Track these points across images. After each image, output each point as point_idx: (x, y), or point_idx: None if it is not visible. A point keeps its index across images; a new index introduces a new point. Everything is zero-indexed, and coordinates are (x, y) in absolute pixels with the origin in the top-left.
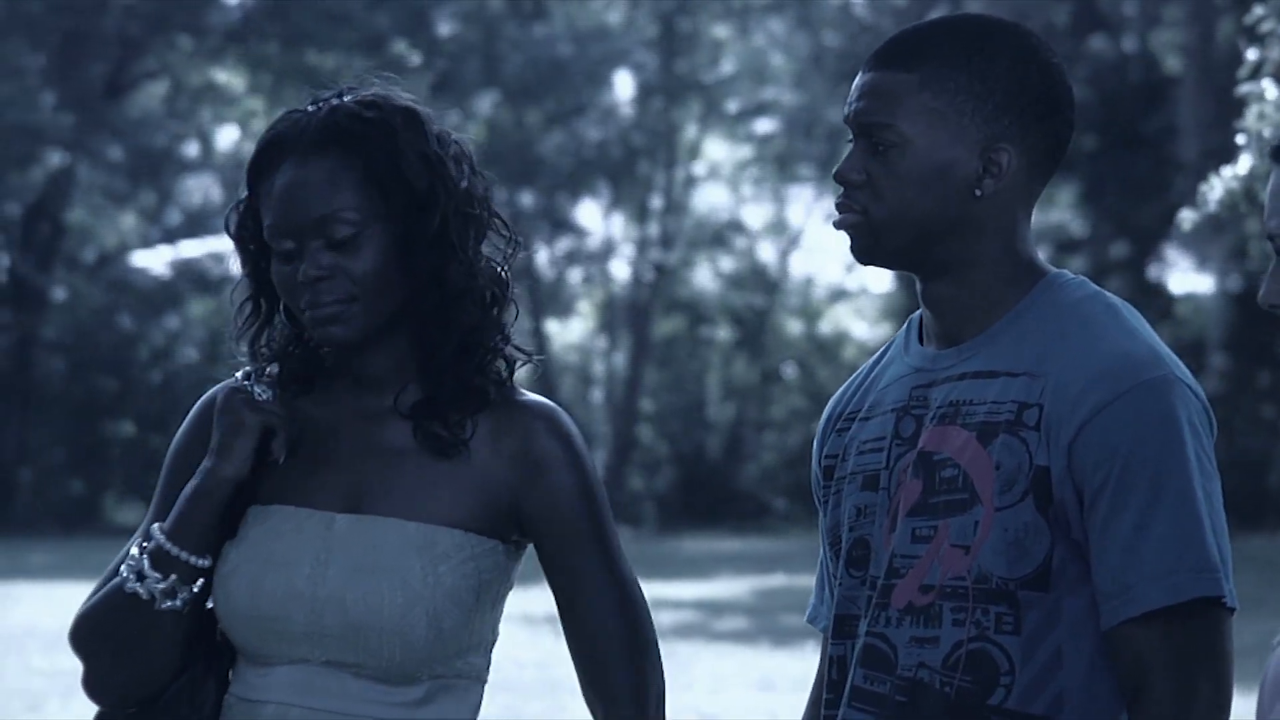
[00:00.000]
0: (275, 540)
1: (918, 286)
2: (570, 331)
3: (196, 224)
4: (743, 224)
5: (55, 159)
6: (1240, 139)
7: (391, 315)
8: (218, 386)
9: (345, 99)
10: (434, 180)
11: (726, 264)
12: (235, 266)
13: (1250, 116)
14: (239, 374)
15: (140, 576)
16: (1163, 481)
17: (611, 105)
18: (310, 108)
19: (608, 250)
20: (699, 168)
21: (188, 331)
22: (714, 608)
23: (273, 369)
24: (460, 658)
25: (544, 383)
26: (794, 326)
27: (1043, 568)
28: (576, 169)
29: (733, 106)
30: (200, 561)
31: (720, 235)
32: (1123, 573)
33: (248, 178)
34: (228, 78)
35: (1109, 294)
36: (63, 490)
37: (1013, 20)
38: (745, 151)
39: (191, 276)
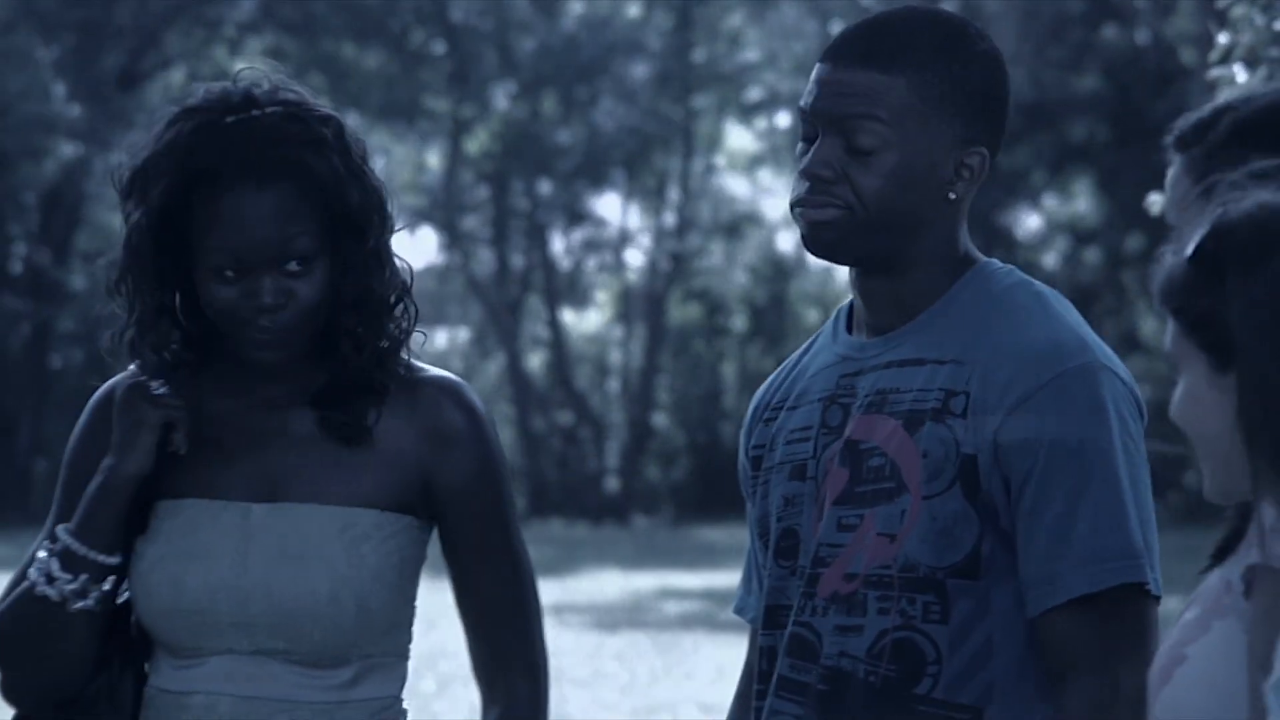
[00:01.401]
0: (192, 534)
1: (851, 276)
2: (587, 321)
3: None
4: (760, 213)
5: (69, 150)
6: None
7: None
8: (112, 381)
9: (267, 110)
10: (364, 198)
11: (744, 253)
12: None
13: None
14: (133, 366)
15: (50, 579)
16: (1089, 469)
17: (628, 94)
18: (229, 119)
19: (624, 240)
20: (716, 157)
21: None
22: (719, 597)
23: (162, 360)
24: (387, 636)
25: (560, 372)
26: (811, 316)
27: (971, 556)
28: (593, 159)
29: (752, 95)
30: (109, 559)
31: (737, 224)
32: (1049, 561)
33: (171, 187)
34: (243, 68)
35: (1037, 282)
36: None
37: (964, 16)
38: (762, 141)
39: None
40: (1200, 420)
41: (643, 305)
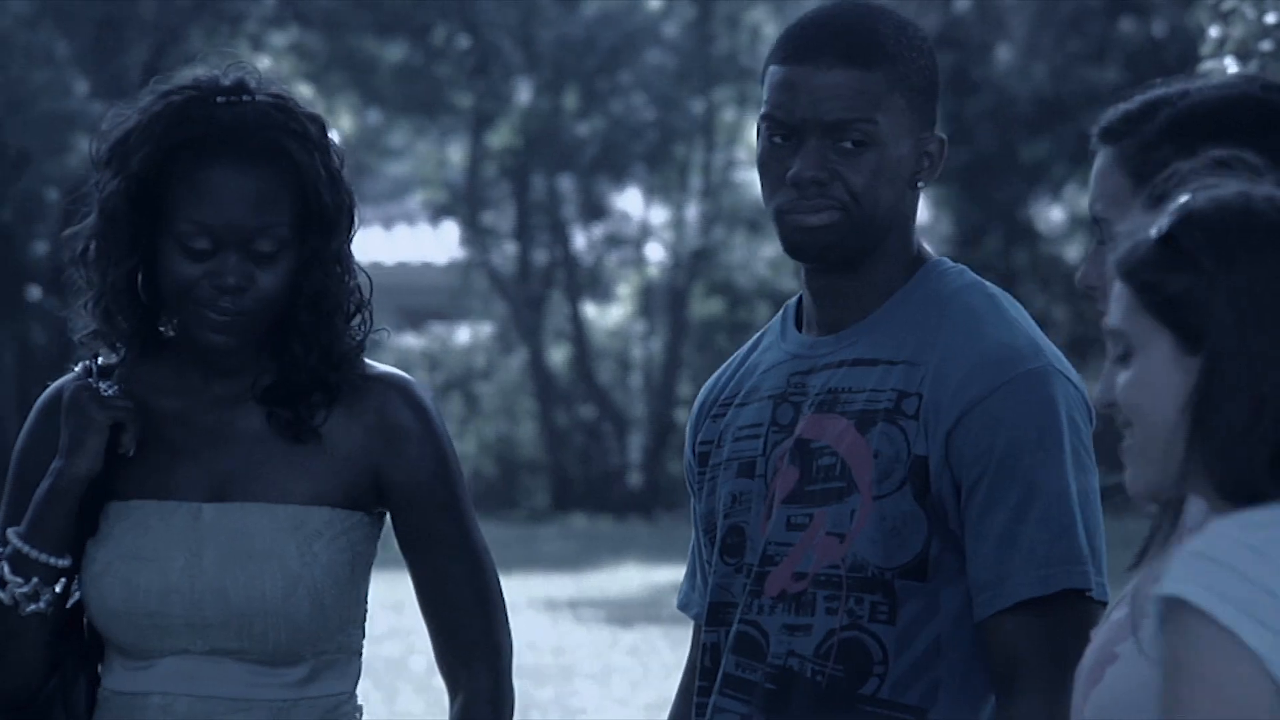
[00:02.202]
0: (143, 535)
1: (805, 274)
2: (608, 316)
3: None
4: None
5: (89, 146)
6: None
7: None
8: (59, 382)
9: (257, 96)
10: (337, 199)
11: (765, 247)
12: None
13: None
14: (78, 368)
15: (1, 583)
16: (1038, 475)
17: (649, 87)
18: (220, 99)
19: (645, 234)
20: (737, 150)
21: None
22: None
23: (109, 358)
24: (341, 632)
25: (582, 367)
26: None
27: (920, 557)
28: (613, 152)
29: None
30: (60, 562)
31: (758, 218)
32: (996, 565)
33: (153, 155)
34: (267, 64)
35: (989, 284)
36: None
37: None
38: None
39: None
40: (1150, 403)
41: (664, 299)
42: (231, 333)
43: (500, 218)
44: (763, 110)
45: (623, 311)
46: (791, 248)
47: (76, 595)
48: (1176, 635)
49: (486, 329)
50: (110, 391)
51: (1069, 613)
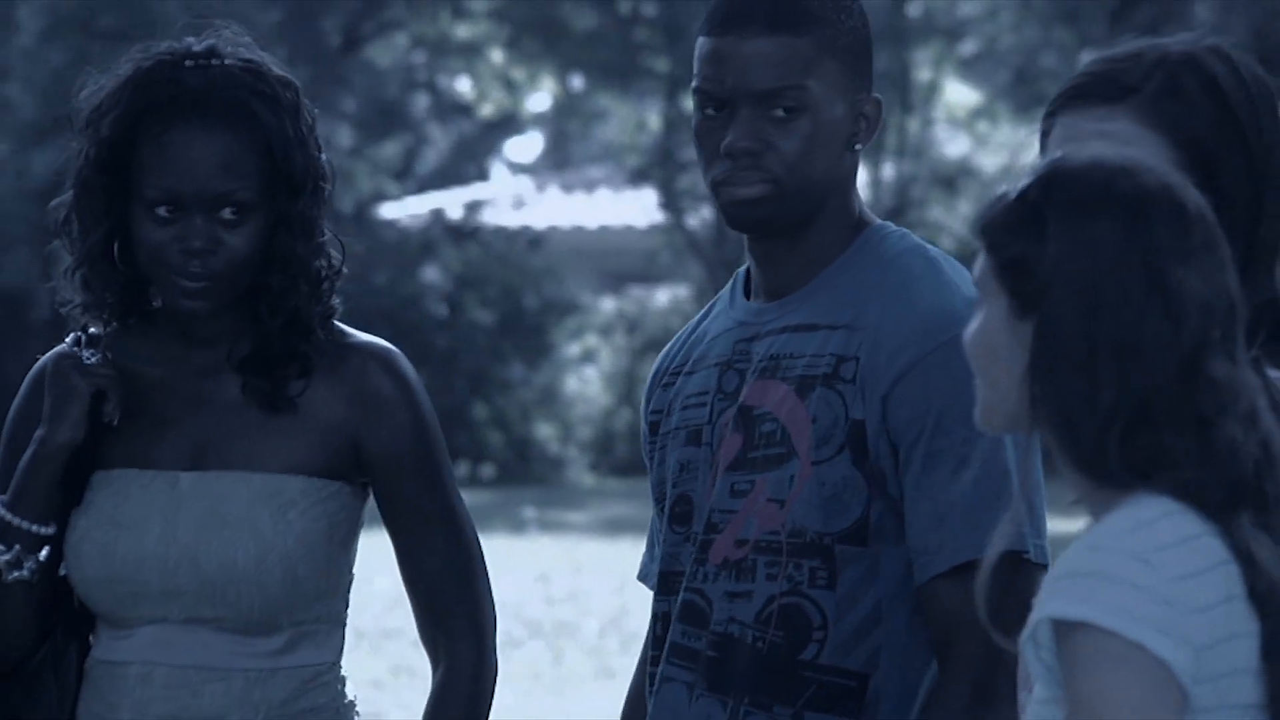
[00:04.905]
0: (122, 503)
1: (749, 240)
2: None
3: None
4: (977, 167)
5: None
6: None
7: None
8: (49, 354)
9: (226, 60)
10: (306, 163)
11: (961, 206)
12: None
13: None
14: (68, 339)
15: None
16: (975, 438)
17: None
18: (189, 63)
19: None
20: (933, 110)
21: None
22: None
23: (97, 329)
24: (319, 602)
25: None
26: None
27: (860, 522)
28: None
29: (968, 49)
30: (43, 530)
31: (954, 178)
32: (934, 529)
33: (121, 119)
34: (467, 30)
35: (931, 247)
36: None
37: None
38: (980, 95)
39: (439, 229)
40: (990, 359)
41: None
42: (203, 297)
43: (697, 180)
44: (694, 84)
45: None
46: (730, 219)
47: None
48: (1081, 656)
49: (683, 291)
50: (93, 360)
51: (1005, 575)
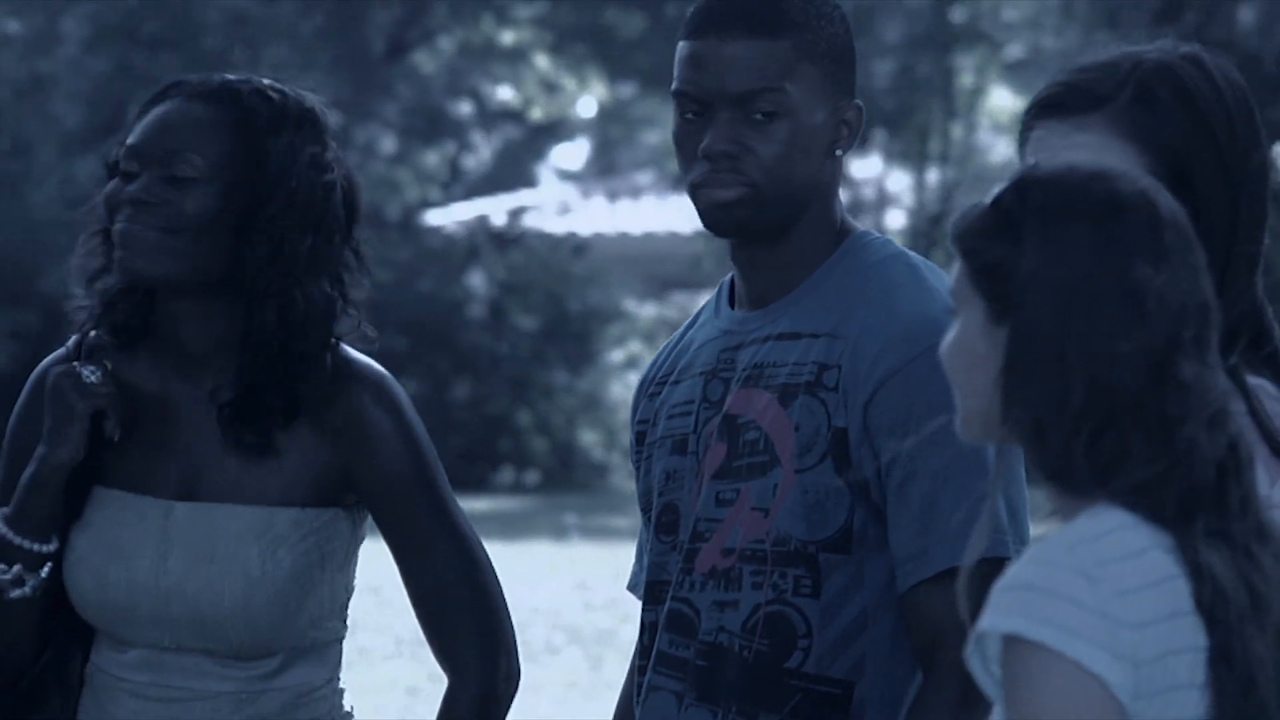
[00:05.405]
0: (118, 529)
1: (732, 247)
2: None
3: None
4: None
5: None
6: None
7: (203, 283)
8: (47, 361)
9: (235, 78)
10: (287, 168)
11: None
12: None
13: None
14: (70, 343)
15: None
16: (956, 444)
17: (887, 53)
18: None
19: (884, 200)
20: (977, 116)
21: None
22: None
23: (98, 336)
24: (314, 627)
25: None
26: None
27: (844, 530)
28: None
29: (1014, 53)
30: (44, 548)
31: (1000, 183)
32: (917, 536)
33: (131, 125)
34: (513, 36)
35: (912, 254)
36: None
37: None
38: (1024, 101)
39: (484, 235)
40: (967, 369)
41: None
42: (140, 253)
43: None
44: (673, 87)
45: None
46: (707, 222)
47: None
48: (1021, 671)
49: None
50: (93, 378)
51: (988, 581)
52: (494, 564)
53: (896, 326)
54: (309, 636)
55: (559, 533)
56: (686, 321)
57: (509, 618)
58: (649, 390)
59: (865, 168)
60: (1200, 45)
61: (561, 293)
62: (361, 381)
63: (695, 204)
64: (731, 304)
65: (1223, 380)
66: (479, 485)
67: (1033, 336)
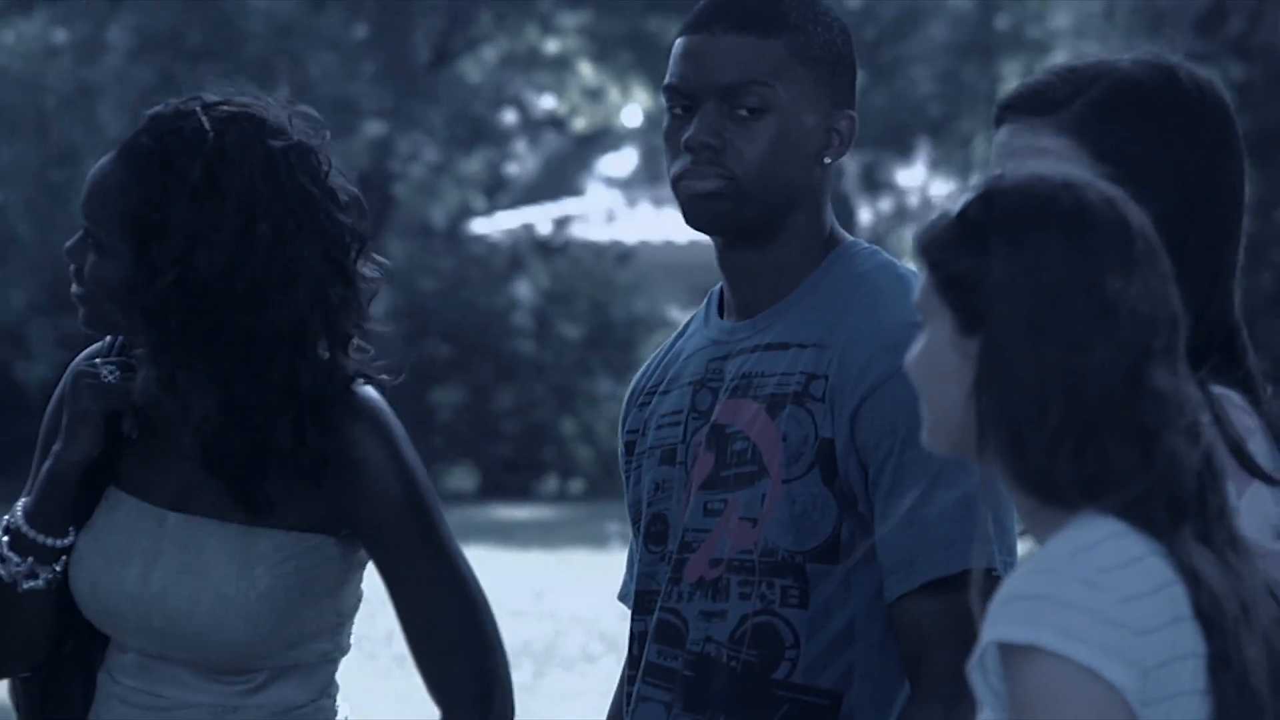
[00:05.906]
0: (116, 534)
1: (720, 254)
2: None
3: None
4: None
5: (374, 129)
6: None
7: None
8: (82, 355)
9: (190, 106)
10: (199, 213)
11: None
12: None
13: None
14: (105, 339)
15: (1, 559)
16: (943, 455)
17: (930, 61)
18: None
19: (928, 208)
20: None
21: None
22: None
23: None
24: (297, 648)
25: None
26: None
27: (831, 540)
28: (896, 127)
29: (1058, 61)
30: (57, 543)
31: None
32: (905, 546)
33: None
34: (557, 45)
35: (901, 264)
36: None
37: None
38: None
39: (529, 243)
40: (933, 382)
41: None
42: (82, 314)
43: None
44: (665, 82)
45: None
46: (687, 215)
47: None
48: (1032, 681)
49: None
50: (111, 377)
51: (978, 592)
52: (528, 575)
53: (883, 337)
54: (290, 657)
55: (600, 541)
56: (677, 330)
57: (505, 657)
58: (638, 400)
59: (909, 176)
60: (1195, 57)
61: (606, 301)
62: (353, 412)
63: (676, 196)
64: (721, 314)
65: (1194, 390)
66: (523, 494)
67: (1006, 347)
